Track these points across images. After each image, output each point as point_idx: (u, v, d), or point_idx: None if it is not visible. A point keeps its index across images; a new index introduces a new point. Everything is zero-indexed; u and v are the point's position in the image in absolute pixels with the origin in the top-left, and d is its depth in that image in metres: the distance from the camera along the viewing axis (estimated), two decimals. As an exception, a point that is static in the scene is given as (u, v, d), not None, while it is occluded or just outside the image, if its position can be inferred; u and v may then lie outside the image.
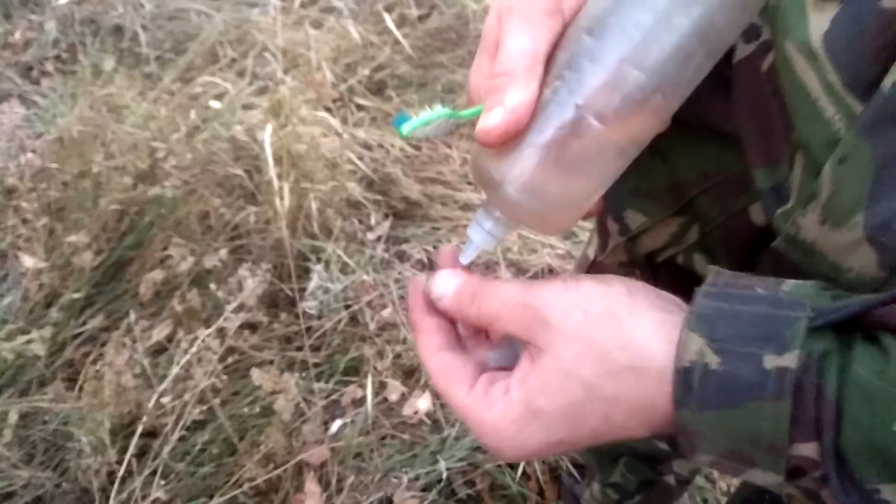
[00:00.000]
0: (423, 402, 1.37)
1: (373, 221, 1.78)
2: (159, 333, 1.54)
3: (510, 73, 0.41)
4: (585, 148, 0.41)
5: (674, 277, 0.43)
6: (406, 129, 0.43)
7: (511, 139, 0.41)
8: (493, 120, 0.40)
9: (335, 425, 1.30)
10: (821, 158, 0.42)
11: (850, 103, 0.41)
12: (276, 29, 1.80)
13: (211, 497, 1.33)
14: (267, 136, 1.31)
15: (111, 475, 1.36)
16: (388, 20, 1.97)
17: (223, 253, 1.55)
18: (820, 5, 0.42)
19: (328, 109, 1.81)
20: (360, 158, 1.76)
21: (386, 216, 1.83)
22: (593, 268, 0.79)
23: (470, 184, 1.93)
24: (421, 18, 2.20)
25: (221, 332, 1.34)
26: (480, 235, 0.47)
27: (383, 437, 1.37)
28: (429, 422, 1.37)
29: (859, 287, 0.42)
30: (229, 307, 1.27)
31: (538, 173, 0.42)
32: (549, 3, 0.42)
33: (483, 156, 0.44)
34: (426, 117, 0.43)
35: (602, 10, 0.41)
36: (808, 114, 0.44)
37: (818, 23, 0.42)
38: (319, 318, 1.58)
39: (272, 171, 1.32)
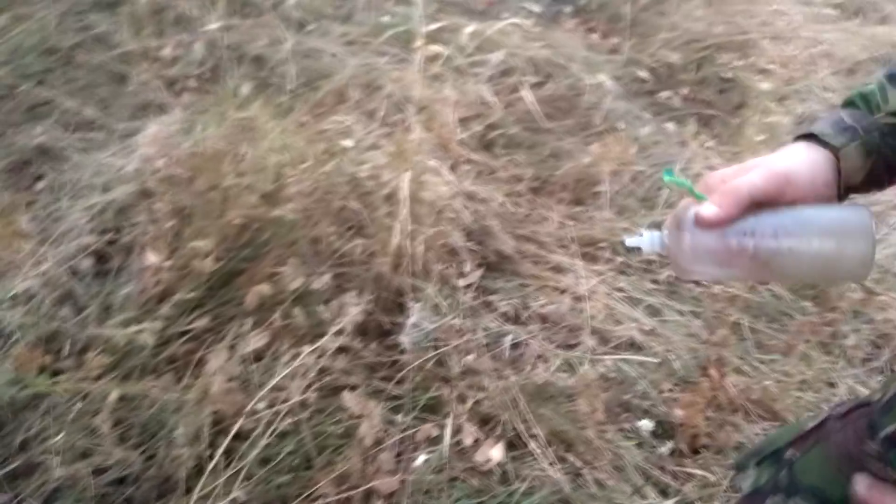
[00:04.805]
0: (496, 452, 1.41)
1: (467, 269, 1.85)
2: (257, 342, 1.64)
3: (733, 194, 0.63)
4: (736, 262, 0.65)
5: None
6: (670, 176, 0.66)
7: (703, 224, 0.64)
8: (708, 211, 0.63)
9: (419, 459, 1.36)
10: None
11: None
12: (409, 79, 1.93)
13: (283, 506, 1.40)
14: (405, 182, 1.42)
15: (195, 468, 1.45)
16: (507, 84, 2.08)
17: (327, 277, 1.66)
18: None
19: (439, 160, 1.92)
20: (464, 208, 1.85)
21: (479, 266, 1.90)
22: None
23: (562, 247, 1.99)
24: (536, 85, 2.30)
25: (319, 352, 1.43)
26: (652, 239, 0.68)
27: (453, 479, 1.41)
28: (499, 472, 1.41)
29: None
30: (333, 329, 1.35)
31: (702, 248, 0.65)
32: (781, 181, 0.64)
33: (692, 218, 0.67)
34: (684, 181, 0.66)
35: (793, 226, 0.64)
36: None
37: None
38: (403, 353, 1.65)
39: (404, 211, 1.42)
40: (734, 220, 0.63)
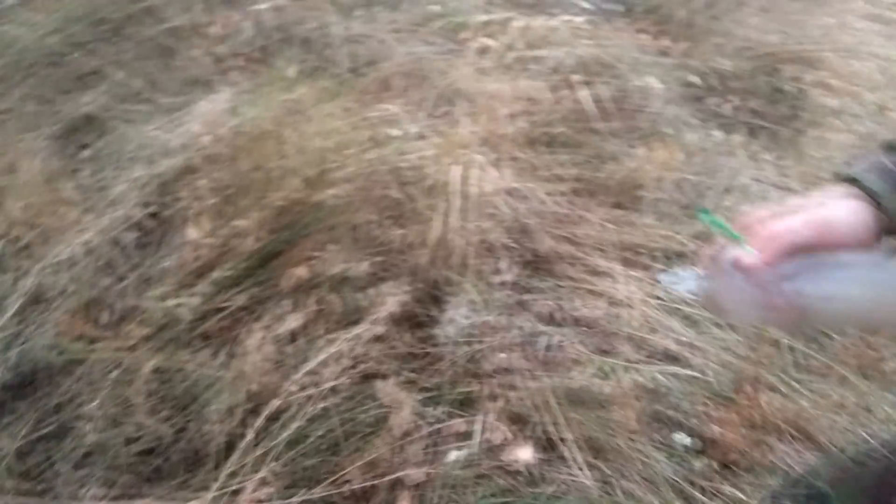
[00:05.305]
0: (524, 453, 1.41)
1: (504, 266, 1.84)
2: (290, 324, 1.65)
3: (773, 240, 0.63)
4: (773, 308, 0.65)
5: None
6: (707, 216, 0.66)
7: (743, 270, 0.64)
8: (749, 258, 0.63)
9: (448, 454, 1.35)
10: None
11: None
12: (459, 71, 1.92)
13: (310, 489, 1.41)
14: (455, 177, 1.41)
15: (225, 444, 1.47)
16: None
17: (365, 265, 1.66)
18: None
19: (484, 155, 1.90)
20: (505, 205, 1.84)
21: (515, 264, 1.89)
22: None
23: (601, 250, 1.97)
24: (584, 84, 2.27)
25: (354, 339, 1.43)
26: (689, 280, 0.73)
27: (480, 476, 1.41)
28: (527, 474, 1.40)
29: None
30: (370, 317, 1.35)
31: (740, 292, 0.65)
32: (822, 229, 0.64)
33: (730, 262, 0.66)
34: (722, 222, 0.65)
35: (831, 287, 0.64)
36: None
37: None
38: (437, 345, 1.65)
39: (449, 204, 1.41)
40: (774, 267, 0.63)
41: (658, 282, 0.69)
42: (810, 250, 0.64)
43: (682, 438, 1.43)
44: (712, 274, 0.66)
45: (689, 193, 2.04)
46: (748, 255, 0.63)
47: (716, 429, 1.47)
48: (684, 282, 0.69)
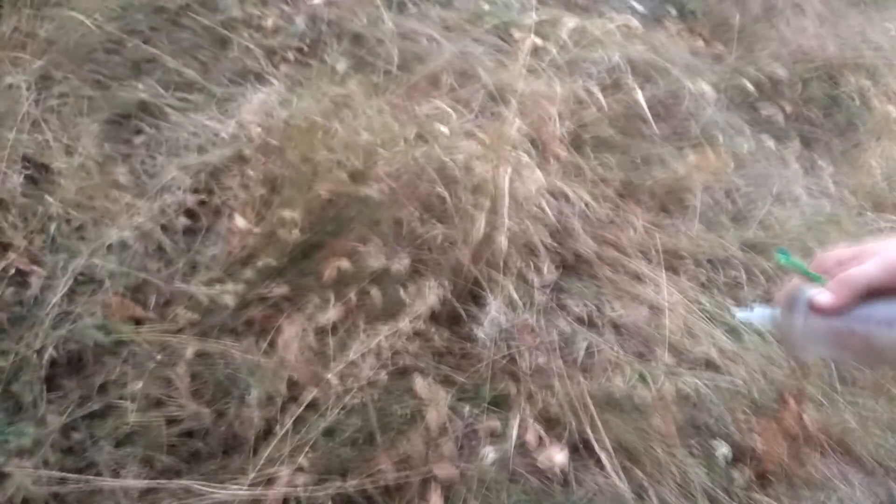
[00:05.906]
0: (560, 456, 1.40)
1: (544, 268, 1.83)
2: (331, 316, 1.66)
3: (849, 282, 0.63)
4: (848, 347, 0.65)
5: None
6: (784, 256, 0.68)
7: (818, 310, 0.65)
8: (823, 299, 0.64)
9: (482, 452, 1.36)
10: None
11: None
12: (509, 70, 1.91)
13: (343, 479, 1.42)
14: (506, 178, 1.41)
15: (264, 430, 1.49)
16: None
17: (407, 260, 1.67)
18: None
19: (530, 155, 1.90)
20: (550, 206, 1.83)
21: (556, 265, 1.88)
22: None
23: (643, 256, 1.94)
24: (635, 87, 2.24)
25: (395, 333, 1.44)
26: (763, 316, 0.69)
27: (512, 476, 1.41)
28: (560, 476, 1.40)
29: None
30: (411, 312, 1.36)
31: (814, 331, 0.66)
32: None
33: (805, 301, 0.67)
34: (799, 263, 0.67)
35: None
36: None
37: None
38: (474, 343, 1.65)
39: (496, 203, 1.41)
40: (848, 309, 0.64)
41: (733, 316, 0.69)
42: (886, 294, 0.64)
43: (720, 448, 1.40)
44: (787, 311, 0.67)
45: (739, 201, 2.00)
46: (824, 295, 0.64)
47: (756, 440, 1.45)
48: (759, 317, 0.70)
